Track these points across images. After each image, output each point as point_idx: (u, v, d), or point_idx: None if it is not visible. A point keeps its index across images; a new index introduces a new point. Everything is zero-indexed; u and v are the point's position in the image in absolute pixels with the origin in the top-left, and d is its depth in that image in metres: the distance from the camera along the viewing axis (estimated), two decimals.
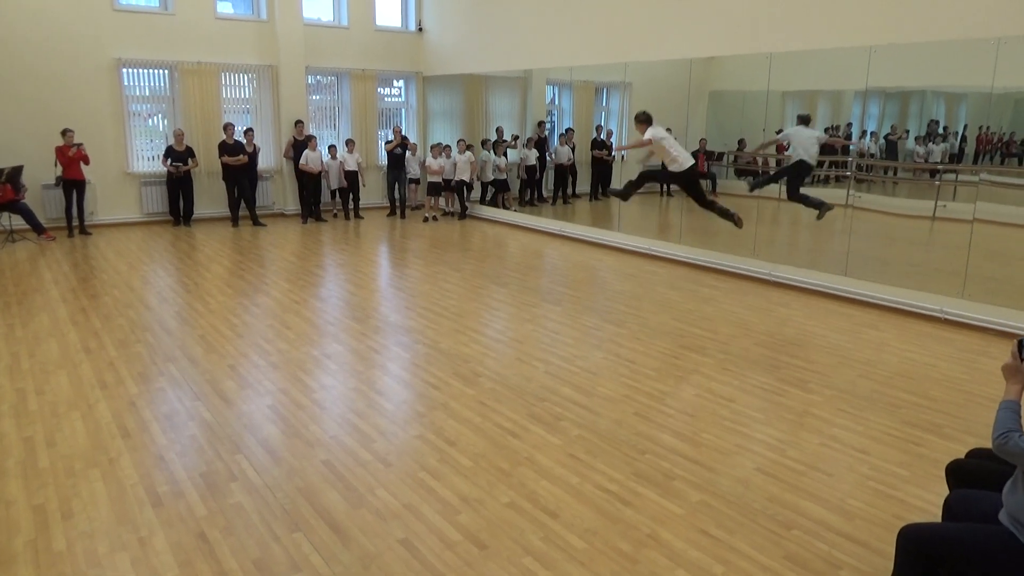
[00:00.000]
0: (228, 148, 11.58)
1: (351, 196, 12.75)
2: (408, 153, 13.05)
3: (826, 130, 8.24)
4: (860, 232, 7.82)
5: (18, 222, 10.18)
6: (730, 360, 5.69)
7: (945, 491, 2.89)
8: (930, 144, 7.54)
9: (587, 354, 5.78)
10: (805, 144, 8.21)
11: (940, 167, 7.37)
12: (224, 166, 11.62)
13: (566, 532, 3.30)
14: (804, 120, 8.28)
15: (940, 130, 7.45)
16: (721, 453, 4.11)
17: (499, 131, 12.90)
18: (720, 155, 9.78)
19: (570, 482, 3.75)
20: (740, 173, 9.67)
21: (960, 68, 6.95)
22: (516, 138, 12.73)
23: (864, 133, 7.94)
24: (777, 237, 8.95)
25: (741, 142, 9.39)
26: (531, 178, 12.51)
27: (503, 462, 3.96)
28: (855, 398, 4.95)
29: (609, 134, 11.62)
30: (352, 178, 12.63)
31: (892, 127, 7.75)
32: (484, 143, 12.83)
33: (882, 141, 7.88)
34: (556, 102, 12.75)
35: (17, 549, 3.11)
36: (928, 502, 3.61)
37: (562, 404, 4.77)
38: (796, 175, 8.34)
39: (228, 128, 11.63)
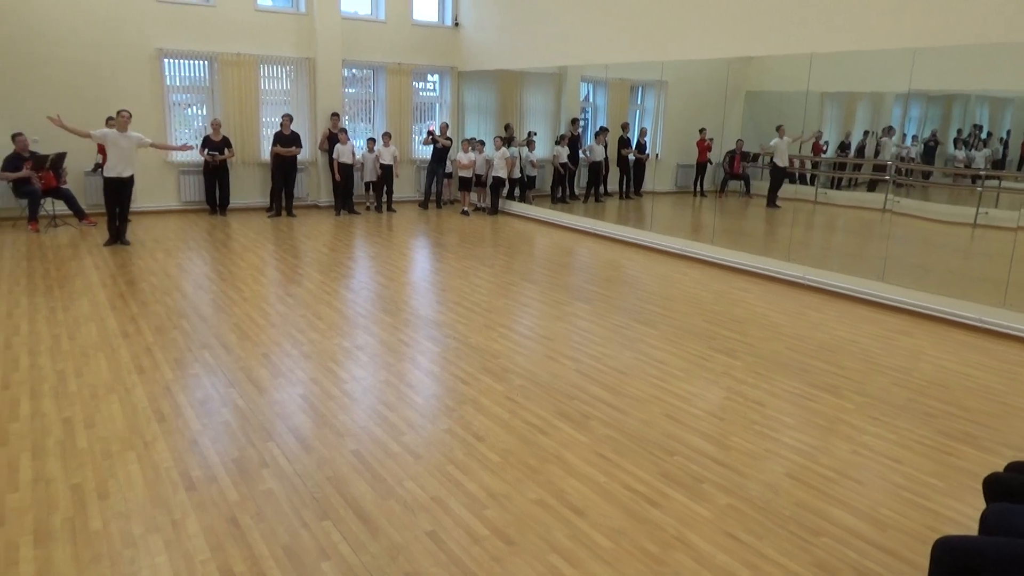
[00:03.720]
0: (283, 139, 11.74)
1: (385, 189, 12.85)
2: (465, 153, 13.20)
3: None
4: (898, 237, 7.69)
5: (61, 207, 10.44)
6: (760, 363, 5.63)
7: (981, 504, 2.84)
8: (972, 149, 7.39)
9: (616, 353, 5.77)
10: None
11: (983, 173, 7.22)
12: (274, 156, 11.78)
13: (593, 531, 3.30)
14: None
15: (983, 135, 7.30)
16: (750, 457, 4.07)
17: (508, 127, 12.94)
18: (755, 156, 9.68)
19: (597, 481, 3.75)
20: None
21: (1006, 72, 6.80)
22: (533, 134, 12.76)
23: (904, 136, 7.81)
24: (812, 240, 8.84)
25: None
26: (563, 175, 12.50)
27: (531, 458, 3.97)
28: (888, 406, 4.88)
29: (643, 132, 11.54)
30: (387, 171, 12.73)
31: (933, 132, 7.61)
32: (530, 139, 12.80)
33: (921, 145, 7.74)
34: (591, 99, 12.70)
35: (55, 526, 3.19)
36: (962, 514, 3.55)
37: (591, 403, 4.77)
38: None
39: (286, 119, 11.82)
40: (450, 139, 13.36)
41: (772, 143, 8.88)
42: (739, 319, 6.86)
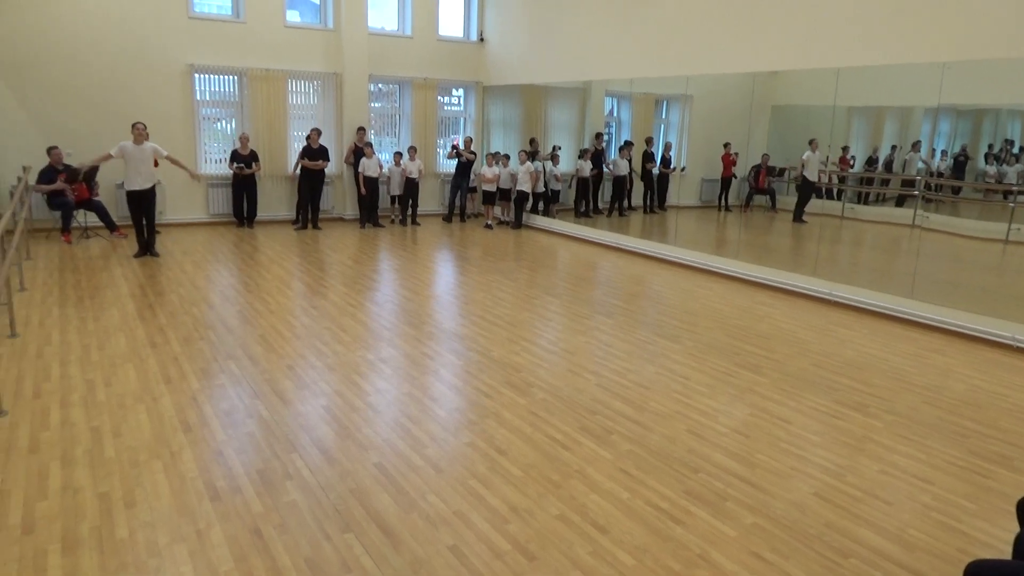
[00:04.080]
0: (311, 152, 11.88)
1: (410, 202, 12.94)
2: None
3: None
4: (927, 253, 7.58)
5: (93, 219, 10.64)
6: (786, 380, 5.57)
7: (1014, 527, 2.77)
8: (1003, 164, 7.28)
9: (639, 368, 5.73)
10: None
11: (1015, 188, 7.10)
12: (303, 169, 11.92)
13: (615, 548, 3.27)
14: None
15: (1015, 150, 7.19)
16: (776, 475, 4.02)
17: (533, 141, 12.99)
18: (781, 171, 9.61)
19: (620, 497, 3.72)
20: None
21: None
22: (558, 148, 12.81)
23: (933, 151, 7.71)
24: (839, 256, 8.75)
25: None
26: (586, 189, 12.51)
27: (553, 473, 3.95)
28: (918, 425, 4.79)
29: (668, 147, 11.51)
30: (412, 185, 12.83)
31: (963, 147, 7.51)
32: (554, 153, 12.84)
33: (950, 160, 7.64)
34: (615, 113, 12.71)
35: (83, 534, 3.23)
36: (995, 537, 3.47)
37: (613, 418, 4.74)
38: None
39: (314, 133, 11.98)
40: (474, 153, 13.43)
41: (804, 156, 8.77)
42: (764, 335, 6.79)
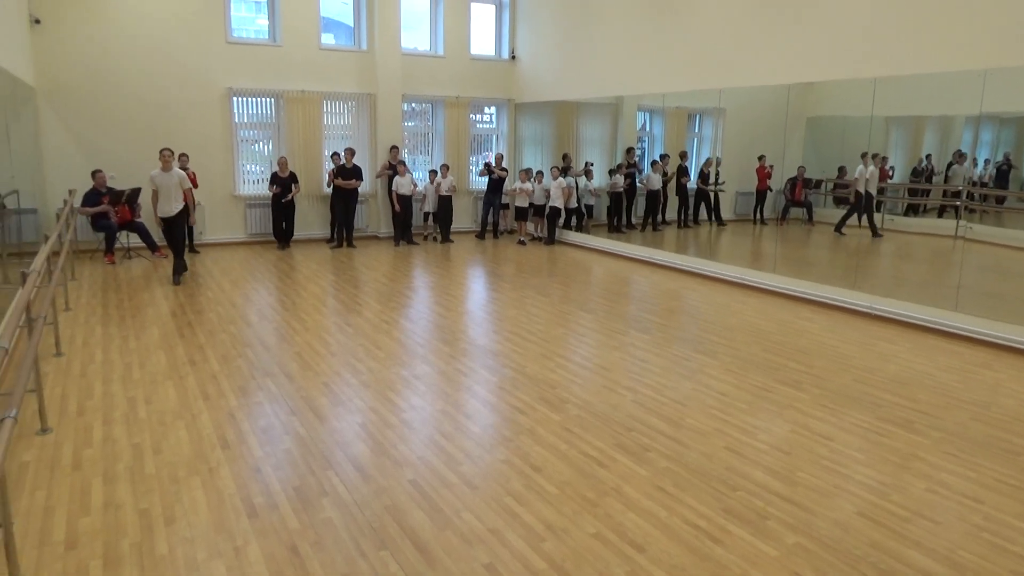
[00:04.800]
0: (344, 171, 12.03)
1: (443, 220, 13.03)
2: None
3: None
4: (971, 265, 7.39)
5: (135, 240, 10.89)
6: (827, 396, 5.45)
7: None
8: None
9: (676, 384, 5.66)
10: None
11: None
12: (336, 188, 12.07)
13: (653, 567, 3.21)
14: None
15: None
16: (818, 494, 3.92)
17: (566, 157, 12.98)
18: (818, 183, 9.47)
19: (658, 516, 3.66)
20: (839, 201, 9.34)
21: None
22: (590, 164, 12.80)
23: (975, 160, 7.54)
24: (879, 269, 8.57)
25: (841, 169, 9.07)
26: (619, 204, 12.46)
27: (589, 491, 3.90)
28: (966, 442, 4.65)
29: (708, 163, 11.27)
30: (445, 202, 12.92)
31: (1006, 155, 7.33)
32: (587, 169, 12.84)
33: (993, 169, 7.46)
34: (647, 128, 12.67)
35: (124, 551, 3.27)
36: None
37: (650, 435, 4.68)
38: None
39: (347, 152, 12.12)
40: (505, 169, 13.48)
41: (858, 171, 8.57)
42: (804, 350, 6.67)
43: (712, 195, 11.31)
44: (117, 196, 10.49)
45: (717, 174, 11.08)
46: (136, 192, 10.77)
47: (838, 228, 9.13)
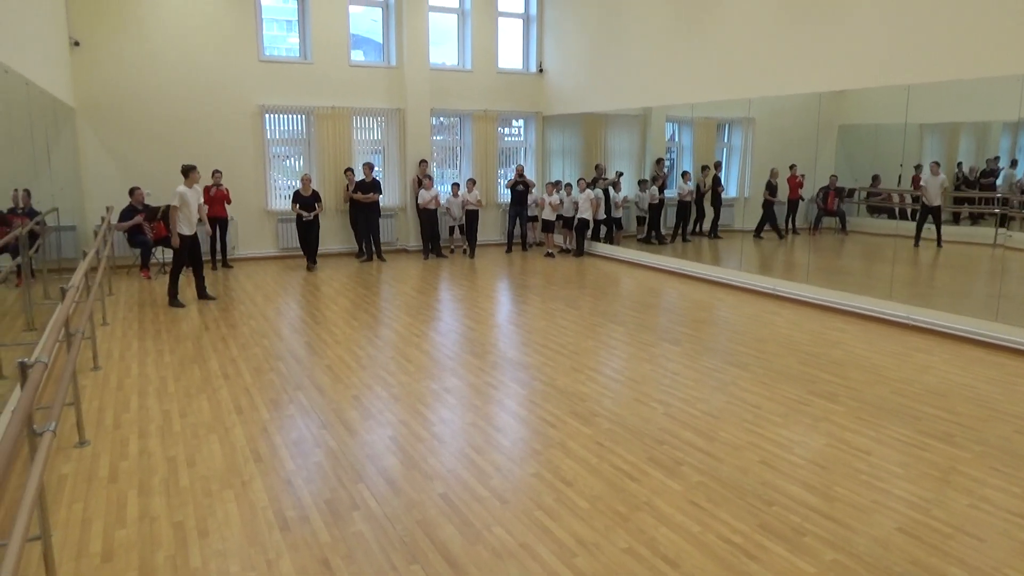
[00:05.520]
0: (364, 186, 12.11)
1: (469, 233, 13.06)
2: (528, 190, 13.35)
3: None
4: (1012, 273, 7.21)
5: (170, 256, 11.05)
6: (864, 409, 5.34)
7: None
8: None
9: (708, 397, 5.59)
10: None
11: None
12: (353, 202, 12.17)
13: None
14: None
15: None
16: (857, 509, 3.83)
17: (599, 167, 12.94)
18: (851, 191, 9.33)
19: (691, 531, 3.60)
20: (872, 211, 9.19)
21: None
22: (620, 175, 12.74)
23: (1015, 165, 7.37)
24: (916, 278, 8.40)
25: (875, 178, 8.93)
26: (652, 216, 12.38)
27: (621, 505, 3.86)
28: (1010, 456, 4.51)
29: (775, 173, 10.70)
30: (471, 216, 12.96)
31: None
32: (617, 179, 12.79)
33: None
34: (676, 139, 12.61)
35: (158, 563, 3.30)
36: None
37: (682, 448, 4.62)
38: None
39: (366, 167, 12.15)
40: (529, 181, 13.45)
41: (924, 181, 8.35)
42: (838, 361, 6.55)
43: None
44: (152, 213, 10.70)
45: (774, 186, 10.52)
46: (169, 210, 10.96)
47: (916, 241, 8.62)
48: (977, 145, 8.02)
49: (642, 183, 12.39)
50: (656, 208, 12.34)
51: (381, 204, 12.47)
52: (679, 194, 12.00)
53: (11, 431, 2.45)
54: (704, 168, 11.75)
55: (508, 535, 3.56)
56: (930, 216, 8.35)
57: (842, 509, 3.83)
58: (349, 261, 12.36)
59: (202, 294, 9.13)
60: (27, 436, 2.87)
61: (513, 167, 14.48)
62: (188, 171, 8.78)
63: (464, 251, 13.26)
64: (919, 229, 8.50)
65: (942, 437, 4.81)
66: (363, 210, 12.23)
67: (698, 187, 11.76)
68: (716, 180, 11.54)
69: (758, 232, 10.83)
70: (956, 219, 8.34)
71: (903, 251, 8.54)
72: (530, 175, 14.41)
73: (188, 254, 8.83)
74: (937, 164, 8.16)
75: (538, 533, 3.58)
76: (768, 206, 10.74)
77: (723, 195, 11.52)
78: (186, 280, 10.43)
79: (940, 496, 3.99)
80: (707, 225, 11.85)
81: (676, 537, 3.54)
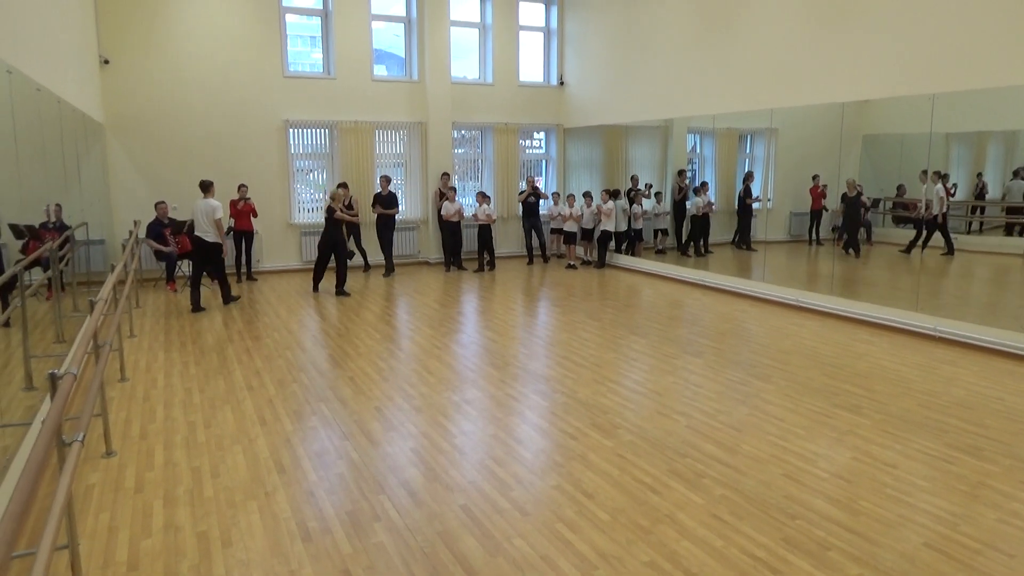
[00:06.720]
0: (382, 199, 12.17)
1: (480, 247, 12.96)
2: (547, 202, 13.36)
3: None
4: None
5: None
6: (890, 422, 5.26)
7: None
8: None
9: (731, 409, 5.55)
10: None
11: None
12: (378, 216, 12.23)
13: None
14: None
15: None
16: (883, 524, 3.78)
17: (634, 180, 12.92)
18: (876, 202, 9.24)
19: (714, 545, 3.57)
20: (898, 221, 9.09)
21: None
22: (649, 187, 12.70)
23: None
24: (943, 289, 8.28)
25: (900, 188, 8.84)
26: (704, 228, 12.19)
27: (642, 519, 3.84)
28: None
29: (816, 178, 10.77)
30: (483, 230, 12.87)
31: None
32: (634, 191, 12.78)
33: None
34: (697, 150, 12.58)
35: (183, 572, 3.34)
36: None
37: (704, 461, 4.59)
38: None
39: (383, 180, 12.12)
40: (541, 192, 13.45)
41: (937, 188, 8.25)
42: (863, 374, 6.47)
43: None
44: (178, 226, 10.87)
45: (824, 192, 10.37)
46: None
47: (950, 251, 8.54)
48: (1006, 154, 7.92)
49: (697, 190, 12.12)
50: (678, 219, 12.28)
51: (400, 218, 12.49)
52: (697, 207, 11.93)
53: (41, 441, 2.50)
54: (680, 172, 11.75)
55: (529, 547, 3.55)
56: (924, 227, 8.26)
57: (867, 523, 3.78)
58: (373, 274, 12.44)
59: (227, 300, 9.65)
60: (56, 446, 2.93)
61: (536, 179, 14.52)
62: (210, 186, 9.43)
63: (486, 263, 13.13)
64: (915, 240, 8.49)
65: (970, 450, 4.73)
66: (385, 223, 12.25)
67: (739, 196, 11.57)
68: (747, 191, 11.43)
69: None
70: (980, 228, 8.23)
71: (930, 261, 8.44)
72: (551, 187, 14.45)
73: (212, 262, 9.48)
74: (937, 173, 8.05)
75: (559, 546, 3.57)
76: (745, 211, 10.88)
77: (753, 207, 11.39)
78: (211, 293, 10.58)
79: (968, 511, 3.92)
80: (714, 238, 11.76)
81: (698, 551, 3.51)
